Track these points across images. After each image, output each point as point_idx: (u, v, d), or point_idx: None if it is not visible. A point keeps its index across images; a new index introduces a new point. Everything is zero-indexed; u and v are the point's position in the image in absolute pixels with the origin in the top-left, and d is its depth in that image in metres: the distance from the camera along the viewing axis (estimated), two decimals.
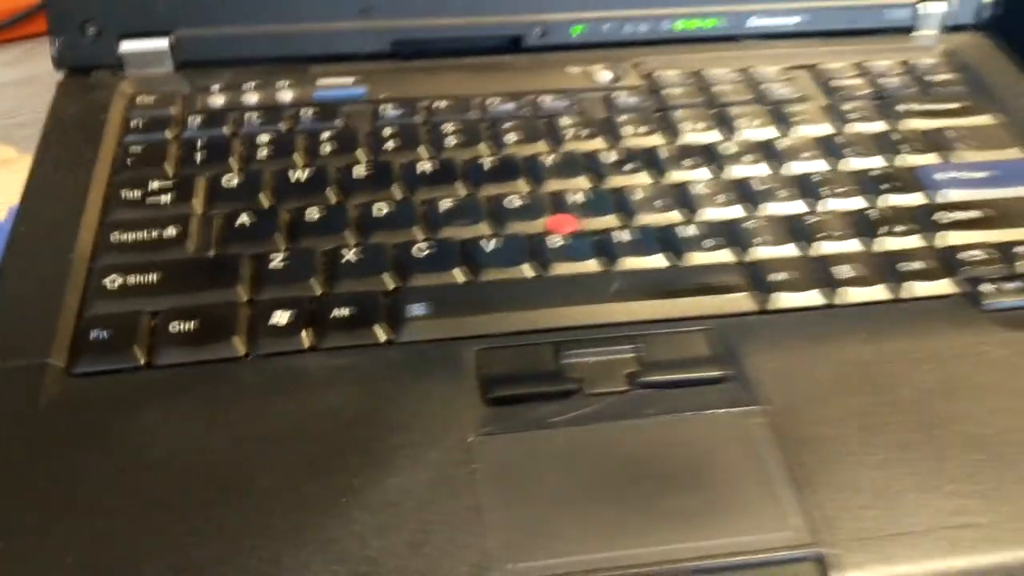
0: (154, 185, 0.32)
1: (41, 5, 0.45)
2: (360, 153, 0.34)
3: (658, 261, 0.30)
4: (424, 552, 0.23)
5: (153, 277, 0.29)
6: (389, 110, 0.36)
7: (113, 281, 0.29)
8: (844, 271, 0.30)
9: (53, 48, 0.36)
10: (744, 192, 0.33)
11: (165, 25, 0.37)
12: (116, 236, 0.30)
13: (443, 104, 0.36)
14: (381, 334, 0.28)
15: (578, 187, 0.33)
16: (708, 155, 0.34)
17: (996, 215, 0.33)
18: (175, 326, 0.27)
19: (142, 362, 0.27)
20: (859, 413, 0.26)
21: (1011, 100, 0.38)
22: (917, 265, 0.30)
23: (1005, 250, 0.31)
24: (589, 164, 0.34)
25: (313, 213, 0.31)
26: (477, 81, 0.38)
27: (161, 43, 0.37)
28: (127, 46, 0.37)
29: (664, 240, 0.31)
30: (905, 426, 0.26)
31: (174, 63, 0.37)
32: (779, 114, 0.36)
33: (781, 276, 0.30)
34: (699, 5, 0.39)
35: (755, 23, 0.40)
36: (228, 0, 0.37)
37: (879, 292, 0.30)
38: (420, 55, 0.38)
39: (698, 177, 0.34)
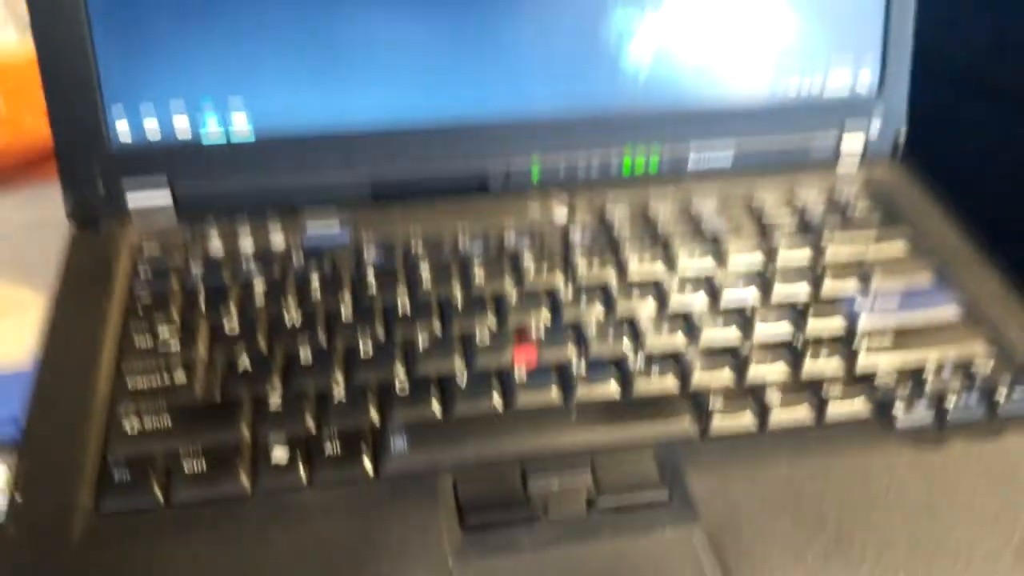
0: (163, 332, 0.36)
1: (49, 152, 0.49)
2: (346, 295, 0.38)
3: (610, 389, 0.35)
4: None
5: (167, 420, 0.33)
6: (371, 252, 0.40)
7: (131, 425, 0.32)
8: (773, 396, 0.34)
9: (66, 202, 0.41)
10: (685, 322, 0.37)
11: (167, 180, 0.41)
12: (131, 382, 0.34)
13: (418, 244, 0.41)
14: (368, 467, 0.32)
15: (539, 321, 0.37)
16: (653, 288, 0.39)
17: (908, 339, 0.37)
18: (188, 465, 0.31)
19: (161, 500, 0.30)
20: (787, 529, 0.30)
21: (922, 228, 0.43)
22: (837, 388, 0.35)
23: (916, 372, 0.36)
24: (549, 299, 0.38)
25: (305, 355, 0.35)
26: (448, 221, 0.42)
27: (164, 196, 0.41)
28: (133, 199, 0.41)
29: (616, 369, 0.35)
30: (827, 539, 0.30)
31: (176, 213, 0.41)
32: (716, 247, 0.41)
33: (718, 402, 0.34)
34: (644, 148, 0.44)
35: (694, 161, 0.45)
36: (223, 156, 0.41)
37: (804, 414, 0.34)
38: (397, 197, 0.43)
39: (645, 309, 0.38)
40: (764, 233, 0.42)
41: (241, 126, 0.41)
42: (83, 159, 0.40)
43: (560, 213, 0.43)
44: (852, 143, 0.46)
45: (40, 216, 0.47)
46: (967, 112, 0.72)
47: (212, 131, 0.41)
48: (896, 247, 0.42)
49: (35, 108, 0.52)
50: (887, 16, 0.44)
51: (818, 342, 0.37)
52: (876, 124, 0.46)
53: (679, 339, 0.37)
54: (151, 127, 0.40)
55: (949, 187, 0.47)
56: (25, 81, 0.54)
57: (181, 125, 0.41)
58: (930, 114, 0.49)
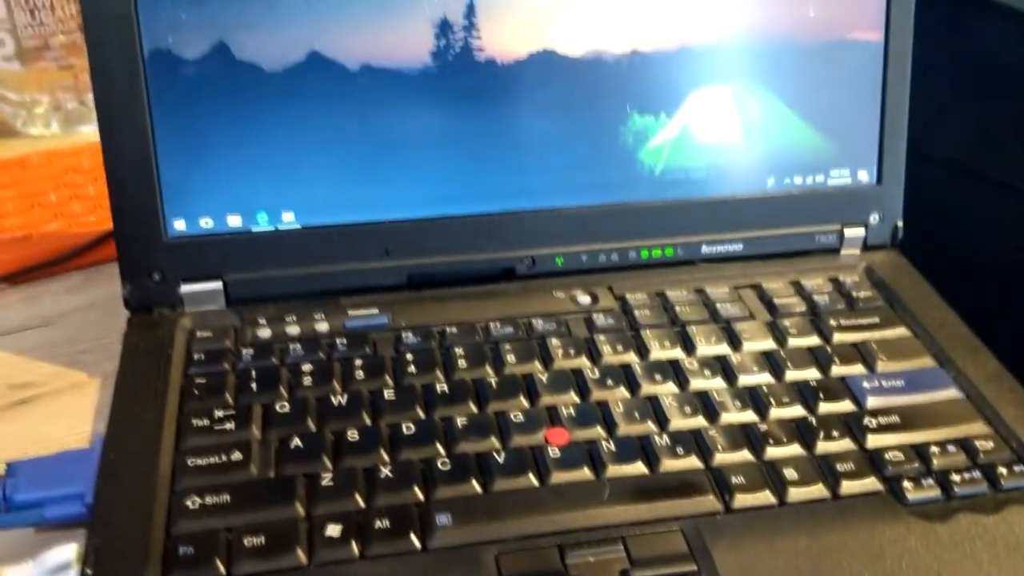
0: (218, 413, 0.38)
1: (101, 237, 0.52)
2: (387, 378, 0.41)
3: (638, 468, 0.37)
4: None
5: (226, 497, 0.35)
6: (409, 337, 0.43)
7: (193, 502, 0.35)
8: (790, 473, 0.37)
9: (124, 291, 0.43)
10: (705, 404, 0.40)
11: (218, 270, 0.44)
12: (191, 461, 0.36)
13: (453, 330, 0.43)
14: (415, 541, 0.34)
15: (568, 402, 0.40)
16: (673, 370, 0.42)
17: (913, 419, 0.40)
18: (248, 541, 0.33)
19: (223, 573, 0.33)
20: None
21: (922, 313, 0.46)
22: (849, 466, 0.37)
23: (922, 450, 0.38)
24: (576, 381, 0.41)
25: (352, 434, 0.38)
26: (479, 307, 0.45)
27: (215, 285, 0.44)
28: (186, 288, 0.44)
29: (642, 449, 0.38)
30: None
31: (226, 300, 0.44)
32: (730, 332, 0.44)
33: (739, 479, 0.37)
34: (660, 237, 0.47)
35: (706, 250, 0.48)
36: (270, 247, 0.44)
37: (819, 491, 0.37)
38: (431, 285, 0.46)
39: (666, 391, 0.41)
40: (775, 319, 0.45)
41: (288, 221, 0.44)
42: (141, 251, 0.43)
43: (583, 299, 0.46)
44: (853, 234, 0.49)
45: (90, 300, 0.50)
46: (958, 197, 0.76)
47: (262, 226, 0.44)
48: (898, 332, 0.45)
49: (83, 195, 0.56)
50: (883, 117, 0.48)
51: (829, 422, 0.39)
52: (875, 216, 0.49)
53: (700, 420, 0.39)
54: (206, 223, 0.43)
55: (943, 268, 0.50)
56: (73, 170, 0.58)
57: (233, 221, 0.44)
58: (924, 199, 0.52)
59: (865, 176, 0.49)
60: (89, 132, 0.63)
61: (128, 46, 0.41)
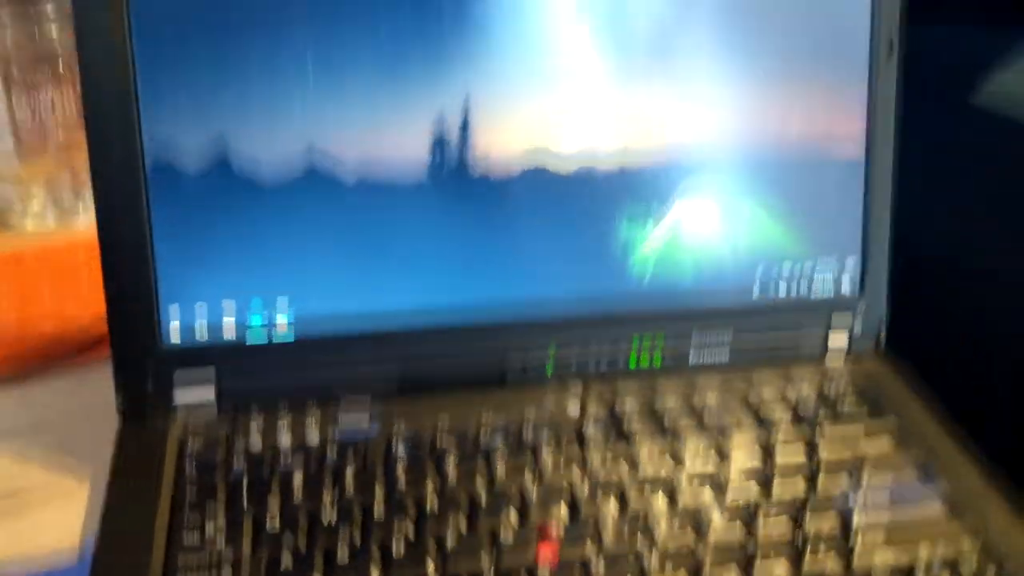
0: (209, 528, 0.39)
1: (92, 340, 0.53)
2: (378, 490, 0.41)
3: None
4: None
5: None
6: (399, 446, 0.43)
7: None
8: None
9: (118, 398, 0.44)
10: (694, 519, 0.40)
11: (211, 376, 0.44)
12: None
13: (444, 438, 0.44)
14: None
15: (558, 516, 0.40)
16: (663, 484, 0.42)
17: (898, 534, 0.40)
18: None
19: None
20: None
21: (907, 422, 0.46)
22: None
23: (908, 568, 0.39)
24: (566, 494, 0.41)
25: (342, 554, 0.38)
26: (471, 414, 0.45)
27: (208, 391, 0.44)
28: (180, 395, 0.44)
29: (633, 565, 0.38)
30: None
31: (218, 406, 0.45)
32: (719, 444, 0.44)
33: None
34: (649, 345, 0.48)
35: (694, 356, 0.49)
36: (263, 353, 0.45)
37: None
38: (422, 391, 0.46)
39: (656, 505, 0.41)
40: (762, 428, 0.46)
41: (283, 326, 0.45)
42: (137, 359, 0.43)
43: (573, 406, 0.46)
44: (838, 340, 0.50)
45: (82, 401, 0.50)
46: (940, 293, 0.77)
47: (256, 331, 0.45)
48: (883, 442, 0.45)
49: (77, 293, 0.56)
50: (864, 228, 0.49)
51: (816, 539, 0.40)
52: (859, 322, 0.50)
53: (689, 536, 0.40)
54: (201, 328, 0.44)
55: (928, 365, 0.51)
56: (68, 266, 0.58)
57: (229, 326, 0.44)
58: (907, 296, 0.53)
59: (848, 284, 0.50)
60: (84, 226, 0.64)
61: (130, 156, 0.42)
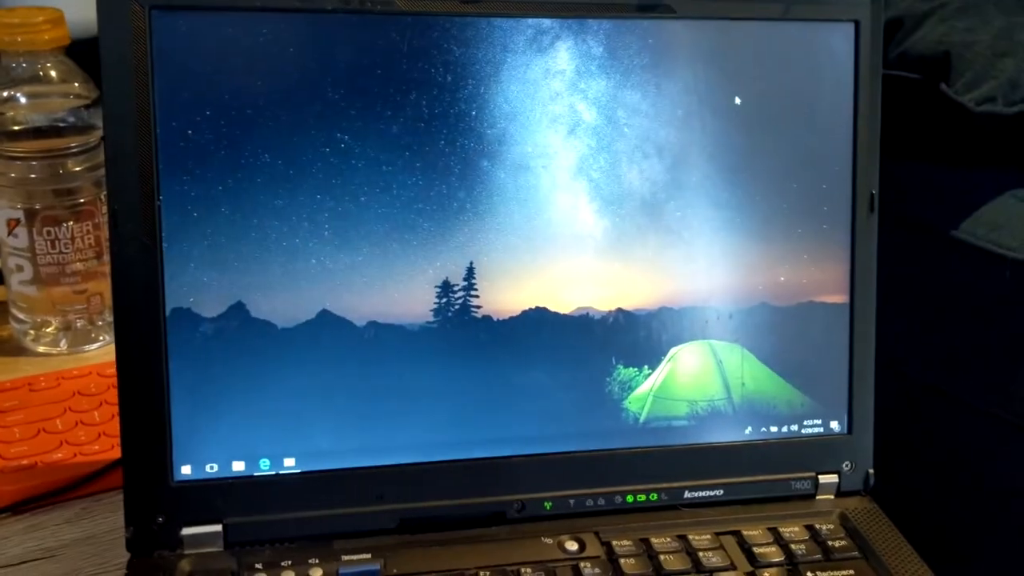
0: None
1: (105, 467, 0.54)
2: None
3: None
4: None
5: None
6: None
7: None
8: None
9: (127, 533, 0.45)
10: None
11: (219, 514, 0.46)
12: None
13: None
14: None
15: None
16: None
17: None
18: None
19: None
20: None
21: (894, 566, 0.48)
22: None
23: None
24: None
25: None
26: (469, 554, 0.46)
27: (216, 528, 0.45)
28: (187, 531, 0.45)
29: None
30: None
31: (224, 543, 0.46)
32: None
33: None
34: (644, 483, 0.50)
35: (688, 495, 0.50)
36: (270, 492, 0.46)
37: None
38: (423, 529, 0.48)
39: None
40: (755, 569, 0.47)
41: (290, 467, 0.46)
42: (148, 496, 0.45)
43: (571, 546, 0.48)
44: (827, 481, 0.52)
45: (90, 532, 0.51)
46: (927, 420, 0.79)
47: (264, 471, 0.46)
48: None
49: (89, 422, 0.58)
50: (851, 371, 0.52)
51: None
52: (847, 464, 0.52)
53: None
54: (211, 468, 0.46)
55: (916, 490, 0.52)
56: (80, 393, 0.60)
57: (237, 467, 0.46)
58: (895, 424, 0.55)
59: (836, 426, 0.52)
60: (96, 351, 0.66)
61: (152, 303, 0.44)
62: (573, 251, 0.48)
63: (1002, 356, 0.72)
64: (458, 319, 0.48)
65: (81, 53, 0.64)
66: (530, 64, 0.47)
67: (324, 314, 0.46)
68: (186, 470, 0.45)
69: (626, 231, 0.49)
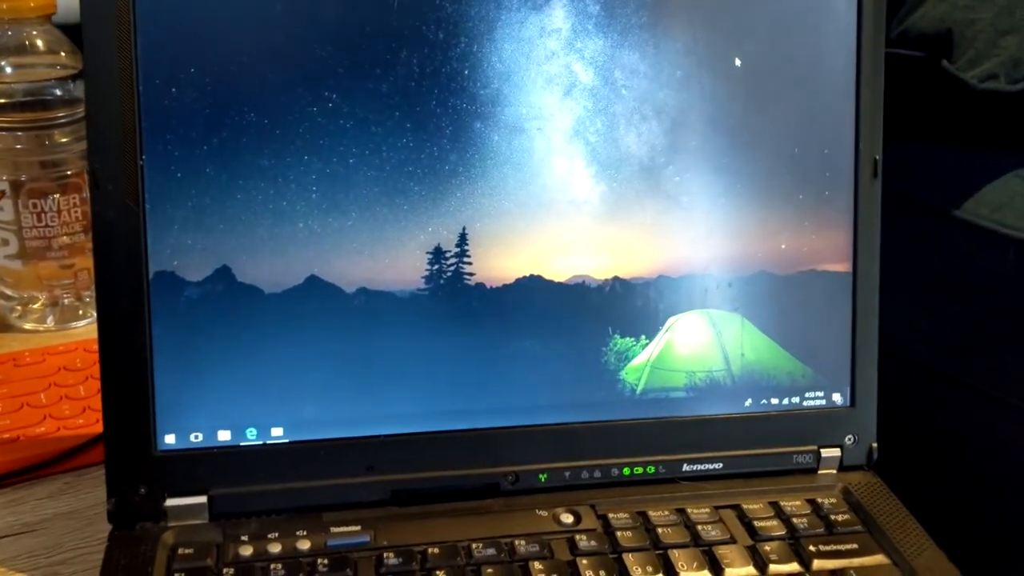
0: None
1: (88, 441, 0.53)
2: None
3: None
4: None
5: None
6: (390, 558, 0.43)
7: None
8: None
9: (109, 505, 0.43)
10: None
11: (204, 485, 0.44)
12: None
13: (435, 551, 0.43)
14: None
15: None
16: None
17: None
18: None
19: None
20: None
21: (899, 539, 0.46)
22: None
23: None
24: None
25: None
26: (462, 526, 0.45)
27: (200, 499, 0.44)
28: (171, 502, 0.44)
29: None
30: None
31: (210, 514, 0.44)
32: (712, 557, 0.44)
33: None
34: (641, 456, 0.48)
35: (687, 468, 0.49)
36: (256, 463, 0.45)
37: None
38: (415, 501, 0.46)
39: None
40: (755, 543, 0.45)
41: (277, 436, 0.45)
42: (130, 466, 0.43)
43: (566, 519, 0.46)
44: (830, 455, 0.50)
45: (72, 506, 0.50)
46: (928, 402, 0.78)
47: (250, 441, 0.45)
48: (876, 560, 0.45)
49: (74, 396, 0.56)
50: (854, 342, 0.50)
51: None
52: (850, 438, 0.50)
53: None
54: (195, 438, 0.44)
55: (917, 473, 0.51)
56: (65, 368, 0.59)
57: (223, 436, 0.44)
58: (898, 400, 0.54)
59: (839, 398, 0.51)
60: (83, 328, 0.65)
61: (134, 266, 0.43)
62: (569, 217, 0.47)
63: (1005, 337, 0.70)
64: (450, 286, 0.46)
65: (69, 23, 0.62)
66: (525, 22, 0.45)
67: (312, 280, 0.45)
68: (170, 439, 0.44)
69: (623, 196, 0.48)
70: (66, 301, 0.64)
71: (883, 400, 0.51)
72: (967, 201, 0.74)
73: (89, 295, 0.65)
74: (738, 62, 0.48)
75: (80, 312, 0.65)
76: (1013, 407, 0.70)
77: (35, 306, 0.65)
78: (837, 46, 0.49)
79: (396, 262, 0.46)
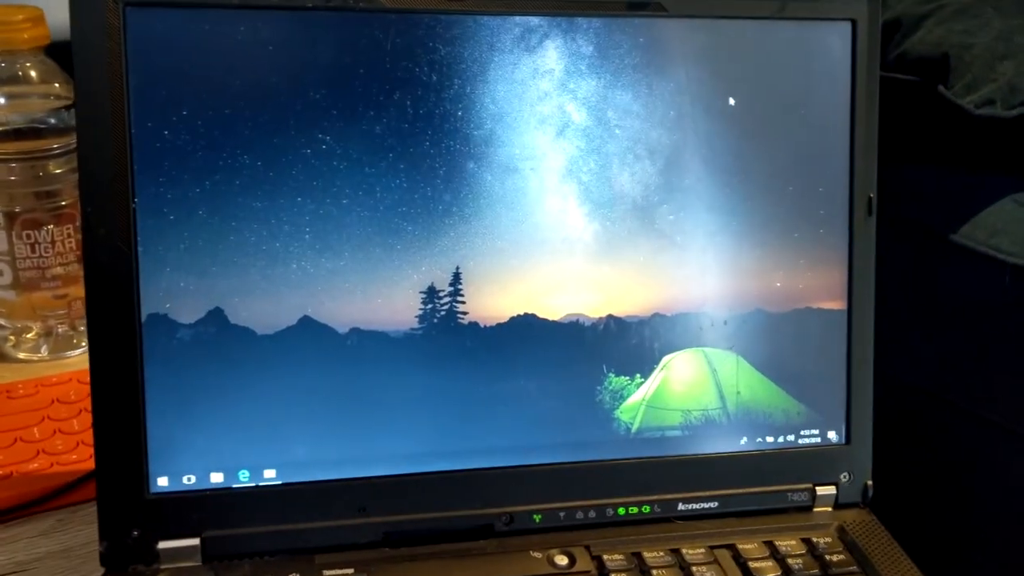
0: None
1: (81, 478, 0.52)
2: None
3: None
4: None
5: None
6: None
7: None
8: None
9: (101, 547, 0.43)
10: None
11: (196, 527, 0.44)
12: None
13: None
14: None
15: None
16: None
17: None
18: None
19: None
20: None
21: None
22: None
23: None
24: None
25: None
26: (455, 568, 0.45)
27: (193, 541, 0.44)
28: (164, 545, 0.44)
29: None
30: None
31: (202, 557, 0.44)
32: None
33: None
34: (636, 495, 0.48)
35: (682, 507, 0.49)
36: (249, 504, 0.45)
37: None
38: (407, 542, 0.46)
39: None
40: None
41: (270, 478, 0.45)
42: (123, 509, 0.43)
43: (560, 561, 0.46)
44: (825, 492, 0.50)
45: (64, 545, 0.50)
46: (925, 426, 0.78)
47: (243, 483, 0.45)
48: None
49: (67, 430, 0.56)
50: (849, 380, 0.50)
51: None
52: (845, 476, 0.50)
53: None
54: (188, 480, 0.44)
55: (911, 494, 0.50)
56: (59, 400, 0.58)
57: (216, 478, 0.44)
58: (892, 431, 0.53)
59: (834, 436, 0.50)
60: (78, 357, 0.64)
61: (127, 309, 0.43)
62: (562, 256, 0.47)
63: (1001, 362, 0.70)
64: (444, 326, 0.46)
65: (63, 53, 0.62)
66: (518, 63, 0.45)
67: (305, 320, 0.45)
68: (162, 482, 0.44)
69: (617, 235, 0.47)
70: (60, 331, 0.64)
71: (879, 425, 0.51)
72: (963, 225, 0.74)
73: (83, 325, 0.65)
74: (732, 101, 0.48)
75: (74, 341, 0.65)
76: (1011, 432, 0.70)
77: (29, 336, 0.64)
78: (831, 84, 0.49)
79: (390, 302, 0.46)
